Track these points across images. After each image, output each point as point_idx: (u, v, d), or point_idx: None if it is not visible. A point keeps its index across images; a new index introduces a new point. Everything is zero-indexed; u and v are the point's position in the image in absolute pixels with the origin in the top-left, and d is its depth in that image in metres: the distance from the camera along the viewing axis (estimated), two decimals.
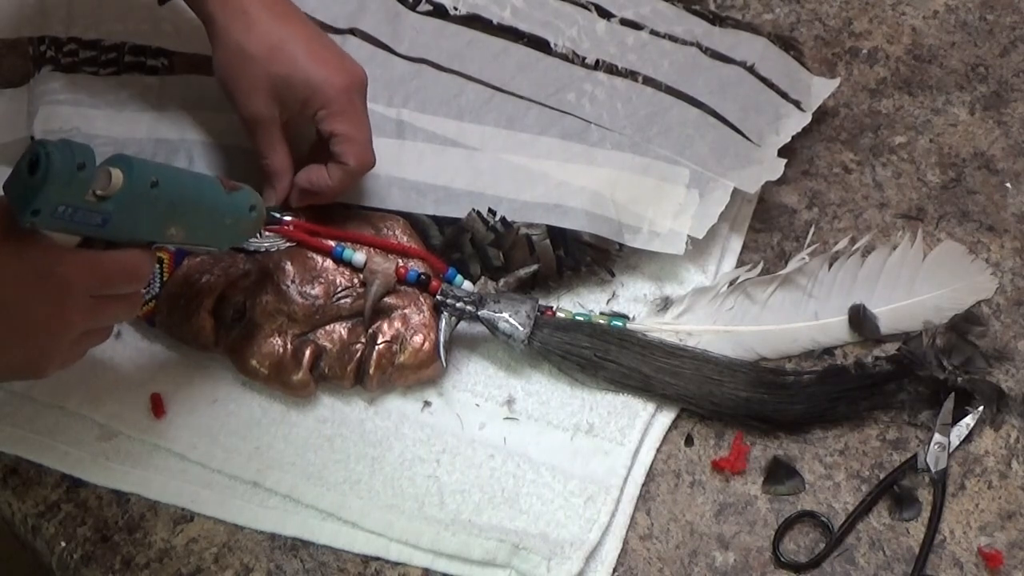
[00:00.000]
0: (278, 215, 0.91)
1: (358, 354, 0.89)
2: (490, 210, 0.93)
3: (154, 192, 0.73)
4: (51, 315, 0.72)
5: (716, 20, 1.08)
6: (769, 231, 1.01)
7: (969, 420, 0.89)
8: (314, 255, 0.90)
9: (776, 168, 0.98)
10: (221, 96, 0.90)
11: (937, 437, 0.88)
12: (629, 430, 0.89)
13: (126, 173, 0.71)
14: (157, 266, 0.91)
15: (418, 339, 0.89)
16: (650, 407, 0.90)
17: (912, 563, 0.84)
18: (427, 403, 0.90)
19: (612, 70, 1.03)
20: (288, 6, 0.90)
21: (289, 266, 0.89)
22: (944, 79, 1.11)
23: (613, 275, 0.96)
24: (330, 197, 0.91)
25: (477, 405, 0.90)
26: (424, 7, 1.05)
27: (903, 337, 0.93)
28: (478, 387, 0.91)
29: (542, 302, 0.92)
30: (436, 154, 0.97)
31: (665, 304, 0.94)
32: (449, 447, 0.88)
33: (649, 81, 1.02)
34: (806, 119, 1.03)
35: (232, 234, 0.83)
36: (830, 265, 0.96)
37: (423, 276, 0.91)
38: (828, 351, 0.93)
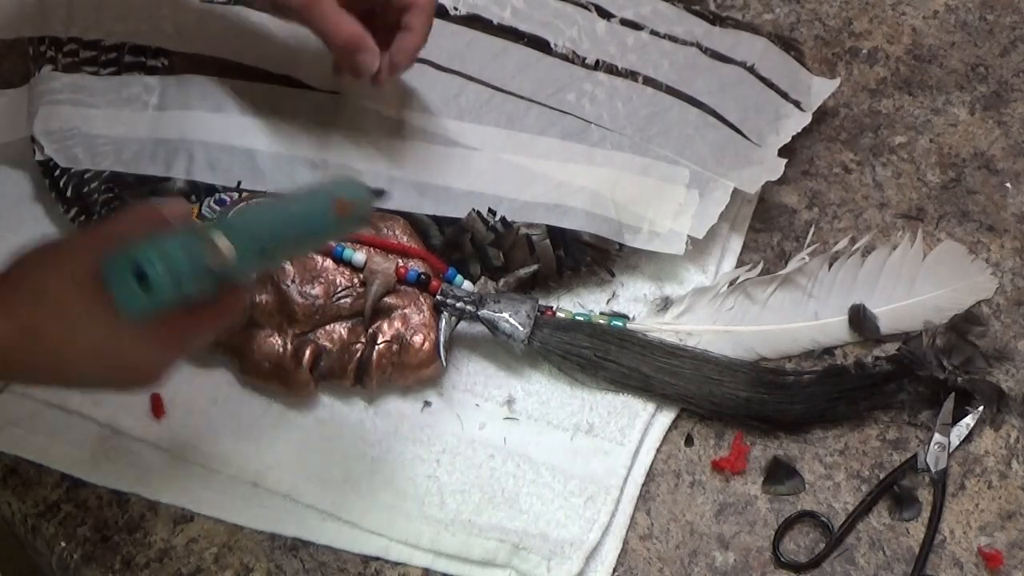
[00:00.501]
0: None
1: (358, 354, 0.89)
2: (490, 210, 0.93)
3: (263, 257, 0.71)
4: (150, 374, 0.71)
5: (716, 20, 1.08)
6: (769, 231, 1.01)
7: (969, 420, 0.89)
8: (314, 255, 0.90)
9: (776, 168, 0.98)
10: (221, 96, 0.90)
11: (937, 437, 0.88)
12: (629, 430, 0.89)
13: (236, 246, 0.68)
14: None
15: (418, 339, 0.89)
16: (650, 407, 0.90)
17: (912, 563, 0.84)
18: (427, 403, 0.90)
19: (612, 70, 1.03)
20: None
21: (289, 266, 0.89)
22: (944, 79, 1.11)
23: (613, 275, 0.96)
24: (417, 50, 0.89)
25: (477, 405, 0.90)
26: None
27: (903, 337, 0.93)
28: (478, 387, 0.91)
29: (542, 302, 0.92)
30: (436, 154, 0.97)
31: (665, 304, 0.94)
32: (449, 447, 0.88)
33: (649, 81, 1.02)
34: (806, 119, 1.03)
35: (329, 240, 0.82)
36: (830, 265, 0.96)
37: (423, 276, 0.91)
38: (828, 351, 0.93)
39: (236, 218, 0.71)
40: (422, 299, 0.91)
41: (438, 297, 0.90)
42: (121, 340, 0.68)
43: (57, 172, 0.96)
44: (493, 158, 0.97)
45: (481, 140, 0.97)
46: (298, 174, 0.96)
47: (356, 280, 0.90)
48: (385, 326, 0.89)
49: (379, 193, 0.78)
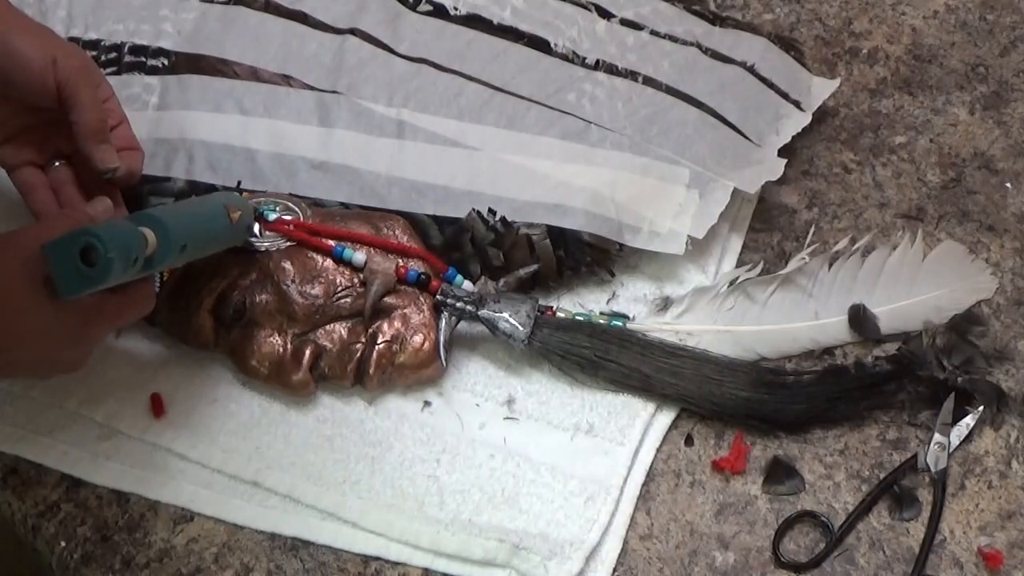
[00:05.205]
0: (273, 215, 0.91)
1: (358, 354, 0.89)
2: (490, 210, 0.93)
3: (181, 253, 0.78)
4: (75, 359, 0.79)
5: (716, 20, 1.08)
6: (769, 231, 1.01)
7: (969, 420, 0.89)
8: (314, 255, 0.90)
9: (776, 168, 0.98)
10: (221, 96, 0.90)
11: (937, 437, 0.88)
12: (629, 430, 0.89)
13: (160, 240, 0.75)
14: None
15: (418, 339, 0.89)
16: (650, 407, 0.90)
17: (912, 563, 0.84)
18: (427, 403, 0.90)
19: (612, 70, 1.03)
20: None
21: (289, 266, 0.89)
22: (944, 79, 1.11)
23: (613, 275, 0.96)
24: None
25: (477, 405, 0.90)
26: (424, 7, 1.05)
27: (903, 337, 0.93)
28: (478, 387, 0.91)
29: (542, 302, 0.92)
30: (436, 154, 0.97)
31: (665, 304, 0.94)
32: (449, 447, 0.88)
33: (649, 81, 1.02)
34: (806, 119, 1.03)
35: (224, 247, 0.87)
36: (830, 265, 0.96)
37: (423, 276, 0.91)
38: (828, 351, 0.93)
39: (158, 214, 0.76)
40: (422, 299, 0.91)
41: (438, 297, 0.90)
42: (56, 322, 0.73)
43: None
44: (493, 158, 0.97)
45: (481, 140, 0.97)
46: (298, 174, 0.96)
47: (356, 280, 0.90)
48: (385, 326, 0.89)
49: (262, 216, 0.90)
